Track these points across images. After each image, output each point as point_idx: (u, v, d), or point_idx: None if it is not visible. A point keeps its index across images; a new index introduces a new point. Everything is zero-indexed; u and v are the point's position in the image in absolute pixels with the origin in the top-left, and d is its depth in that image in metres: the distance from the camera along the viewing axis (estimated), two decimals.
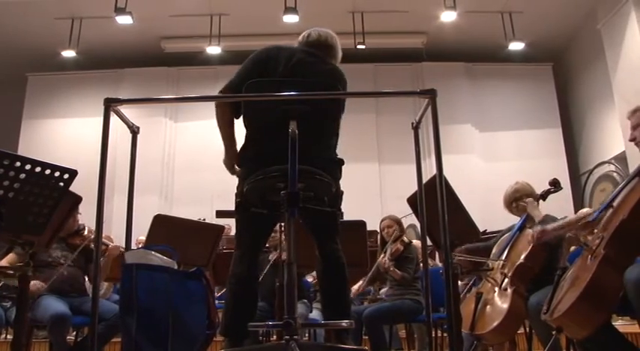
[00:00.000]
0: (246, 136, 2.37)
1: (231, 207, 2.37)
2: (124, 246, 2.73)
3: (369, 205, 7.78)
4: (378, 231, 4.44)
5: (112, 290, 4.53)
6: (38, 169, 2.09)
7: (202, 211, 6.41)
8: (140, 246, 4.32)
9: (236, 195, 2.35)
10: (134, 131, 2.56)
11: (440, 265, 4.78)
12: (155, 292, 2.30)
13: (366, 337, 3.92)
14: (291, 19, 7.77)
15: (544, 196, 3.16)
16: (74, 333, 3.80)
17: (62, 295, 3.26)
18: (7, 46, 8.98)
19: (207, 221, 4.31)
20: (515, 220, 3.22)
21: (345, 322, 2.16)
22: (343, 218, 2.50)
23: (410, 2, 8.29)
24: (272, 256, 3.79)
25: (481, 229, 3.10)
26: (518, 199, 3.22)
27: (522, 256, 2.88)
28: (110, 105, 2.11)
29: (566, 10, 8.57)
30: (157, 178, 9.01)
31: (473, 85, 9.72)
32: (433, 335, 3.10)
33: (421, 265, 3.83)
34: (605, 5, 7.88)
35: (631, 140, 2.38)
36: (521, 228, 3.08)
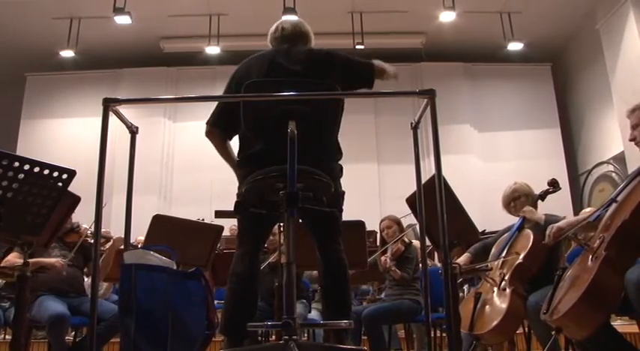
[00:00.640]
0: (245, 137, 2.38)
1: (231, 207, 2.37)
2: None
3: (368, 206, 7.79)
4: (377, 231, 4.44)
5: (111, 290, 4.53)
6: (37, 169, 2.10)
7: (201, 211, 6.40)
8: (139, 246, 4.32)
9: (237, 195, 2.35)
10: (133, 131, 2.55)
11: (439, 265, 4.79)
12: (154, 292, 2.29)
13: (365, 337, 3.92)
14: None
15: (543, 196, 3.16)
16: (73, 333, 3.79)
17: (61, 296, 3.26)
18: (6, 46, 8.97)
19: (206, 221, 4.30)
20: (514, 219, 3.22)
21: (344, 322, 2.16)
22: (342, 218, 2.50)
23: (409, 2, 8.29)
24: (273, 258, 3.78)
25: (480, 229, 3.10)
26: (516, 199, 3.22)
27: (521, 256, 2.88)
28: (109, 105, 2.11)
29: (565, 11, 8.58)
30: (155, 178, 9.00)
31: (472, 86, 9.73)
32: (432, 335, 3.09)
33: (420, 265, 3.83)
34: (603, 5, 7.89)
35: (631, 140, 2.38)
36: (520, 228, 3.08)
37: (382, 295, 4.42)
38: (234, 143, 2.48)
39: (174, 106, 9.46)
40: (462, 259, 3.15)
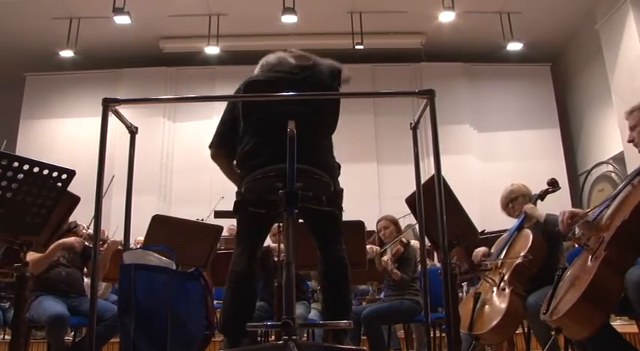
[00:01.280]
0: (244, 136, 2.37)
1: (230, 207, 2.38)
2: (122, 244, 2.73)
3: (368, 206, 7.78)
4: (376, 232, 4.43)
5: (110, 290, 4.53)
6: (36, 170, 2.09)
7: (201, 212, 6.41)
8: (138, 246, 4.32)
9: (236, 194, 2.36)
10: (132, 131, 2.55)
11: (438, 265, 4.79)
12: (153, 292, 2.29)
13: (365, 337, 3.92)
14: (289, 19, 7.77)
15: (542, 196, 3.16)
16: (72, 333, 3.79)
17: (60, 296, 3.26)
18: (5, 46, 8.97)
19: (205, 221, 4.31)
20: (514, 220, 3.22)
21: (343, 323, 2.16)
22: (342, 217, 2.50)
23: (408, 2, 8.29)
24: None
25: (479, 230, 3.10)
26: (514, 200, 3.23)
27: (520, 257, 2.88)
28: (108, 105, 2.11)
29: (565, 11, 8.58)
30: (155, 179, 9.00)
31: (471, 86, 9.72)
32: (432, 335, 3.10)
33: (419, 265, 3.83)
34: (603, 6, 7.89)
35: (629, 141, 2.38)
36: (519, 228, 3.08)
37: (381, 295, 4.42)
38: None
39: (174, 106, 9.46)
40: (482, 250, 3.16)
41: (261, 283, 3.90)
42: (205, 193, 8.59)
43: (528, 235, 2.95)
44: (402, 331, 4.48)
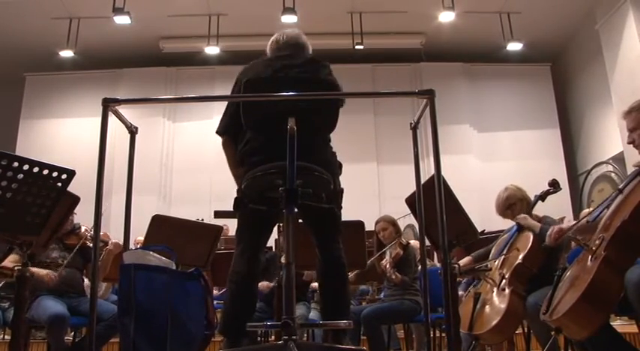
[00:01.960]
0: (244, 133, 2.37)
1: (230, 207, 2.37)
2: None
3: (368, 206, 7.78)
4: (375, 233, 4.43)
5: (110, 291, 4.53)
6: (36, 170, 2.09)
7: (201, 212, 6.41)
8: (138, 246, 4.32)
9: (237, 192, 2.35)
10: (132, 131, 2.55)
11: (438, 265, 4.79)
12: (153, 292, 2.29)
13: (365, 338, 3.92)
14: (289, 19, 7.77)
15: (543, 196, 3.15)
16: (72, 333, 3.79)
17: (60, 296, 3.26)
18: (5, 46, 8.97)
19: (205, 221, 4.30)
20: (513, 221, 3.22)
21: (343, 323, 2.16)
22: (341, 217, 2.50)
23: (408, 3, 8.29)
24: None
25: (479, 230, 3.10)
26: (511, 206, 3.21)
27: (520, 257, 2.89)
28: (108, 105, 2.11)
29: (565, 11, 8.58)
30: (155, 179, 8.99)
31: (471, 86, 9.72)
32: (431, 335, 3.10)
33: (419, 265, 3.83)
34: (603, 6, 7.89)
35: (629, 143, 2.37)
36: (520, 229, 3.08)
37: (381, 295, 4.42)
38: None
39: (174, 106, 9.46)
40: (464, 262, 3.15)
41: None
42: (205, 193, 8.60)
43: (529, 235, 2.95)
44: (402, 331, 4.47)
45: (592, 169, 8.70)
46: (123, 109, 2.23)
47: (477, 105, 9.63)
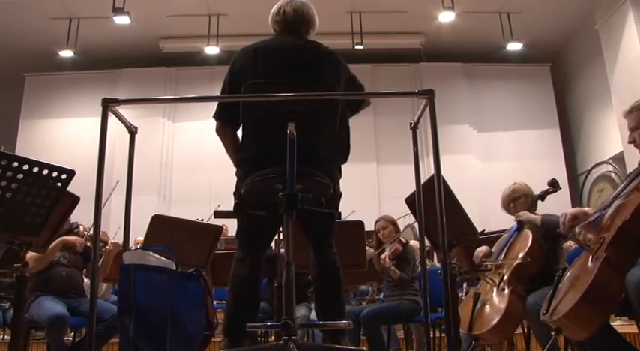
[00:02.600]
0: (243, 137, 2.36)
1: (230, 207, 2.37)
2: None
3: (367, 206, 7.78)
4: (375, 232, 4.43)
5: (110, 291, 4.53)
6: (36, 170, 2.09)
7: (200, 212, 6.40)
8: (138, 246, 4.32)
9: (233, 194, 2.35)
10: (132, 131, 2.55)
11: (438, 265, 4.79)
12: (153, 292, 2.29)
13: (364, 338, 3.92)
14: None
15: (542, 196, 3.16)
16: (72, 334, 3.79)
17: (60, 296, 3.26)
18: (5, 46, 8.96)
19: (205, 222, 4.30)
20: (513, 220, 3.22)
21: (343, 323, 2.16)
22: (341, 219, 2.50)
23: (408, 3, 8.29)
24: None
25: (479, 230, 3.10)
26: (515, 200, 3.22)
27: (520, 257, 2.89)
28: (108, 105, 2.11)
29: (564, 11, 8.58)
30: (155, 179, 8.99)
31: (471, 86, 9.72)
32: (431, 335, 3.10)
33: (419, 265, 3.83)
34: (602, 6, 7.89)
35: (630, 142, 2.37)
36: (520, 228, 3.08)
37: (381, 296, 4.43)
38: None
39: (174, 106, 9.46)
40: (482, 250, 3.15)
41: (264, 282, 3.90)
42: (205, 193, 8.60)
43: (528, 235, 2.95)
44: (402, 331, 4.48)
45: (592, 169, 8.70)
46: (123, 109, 2.23)
47: (476, 105, 9.63)
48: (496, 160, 9.25)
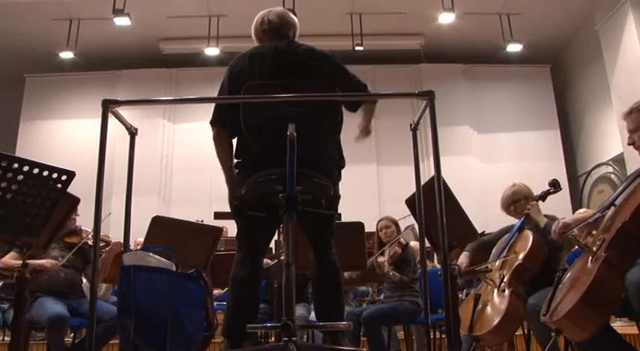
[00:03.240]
0: (242, 139, 2.36)
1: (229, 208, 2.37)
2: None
3: (367, 207, 7.78)
4: (375, 232, 4.43)
5: (110, 292, 4.52)
6: (36, 171, 2.09)
7: (200, 213, 6.41)
8: (138, 247, 4.31)
9: (228, 196, 2.34)
10: (132, 132, 2.55)
11: (438, 266, 4.78)
12: (153, 293, 2.29)
13: (364, 339, 3.92)
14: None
15: (543, 197, 3.16)
16: (72, 335, 3.79)
17: (60, 297, 3.25)
18: (5, 47, 8.97)
19: (205, 223, 4.30)
20: (514, 219, 3.22)
21: (343, 324, 2.16)
22: (341, 219, 2.50)
23: (408, 4, 8.30)
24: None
25: (479, 231, 3.10)
26: (516, 202, 3.22)
27: (520, 257, 2.88)
28: (108, 106, 2.11)
29: (564, 12, 8.59)
30: (155, 180, 9.00)
31: (471, 87, 9.72)
32: (431, 337, 3.09)
33: (419, 266, 3.83)
34: (602, 7, 7.89)
35: (629, 144, 2.37)
36: (520, 229, 3.08)
37: (381, 297, 4.42)
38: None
39: (174, 107, 9.46)
40: (462, 260, 3.14)
41: (263, 284, 3.90)
42: (205, 194, 8.59)
43: (529, 236, 2.95)
44: (402, 332, 4.47)
45: (592, 170, 8.70)
46: (123, 111, 2.23)
47: (476, 106, 9.63)
48: (496, 161, 9.25)
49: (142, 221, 3.28)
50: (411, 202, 2.74)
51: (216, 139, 2.40)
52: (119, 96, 8.36)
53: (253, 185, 2.09)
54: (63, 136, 9.45)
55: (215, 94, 2.45)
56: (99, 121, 2.09)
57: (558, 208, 2.82)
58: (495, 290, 2.90)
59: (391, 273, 3.94)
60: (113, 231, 5.09)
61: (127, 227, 2.55)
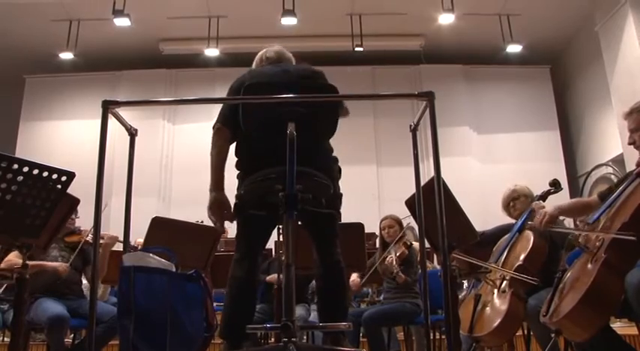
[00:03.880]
0: (242, 139, 2.37)
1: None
2: (121, 239, 2.73)
3: (367, 208, 7.78)
4: (377, 233, 4.43)
5: (108, 292, 4.53)
6: (36, 172, 2.09)
7: (200, 214, 6.38)
8: (138, 248, 4.31)
9: (236, 197, 2.35)
10: (132, 133, 2.55)
11: (438, 267, 4.78)
12: (153, 294, 2.29)
13: (365, 339, 3.91)
14: (289, 21, 7.77)
15: (544, 196, 3.15)
16: (72, 335, 3.79)
17: (59, 298, 3.25)
18: (5, 48, 8.97)
19: (205, 223, 4.29)
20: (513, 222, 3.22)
21: (343, 325, 2.16)
22: (341, 220, 2.50)
23: (408, 5, 8.30)
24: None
25: (479, 231, 3.09)
26: (515, 199, 3.23)
27: (521, 258, 2.88)
28: (108, 107, 2.11)
29: (564, 13, 8.59)
30: (155, 181, 8.99)
31: (471, 88, 9.73)
32: (431, 337, 3.09)
33: (419, 267, 3.82)
34: (602, 8, 7.89)
35: (630, 144, 2.37)
36: (520, 230, 3.08)
37: (380, 297, 4.42)
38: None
39: (174, 108, 9.46)
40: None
41: (262, 286, 3.90)
42: (205, 195, 8.48)
43: (529, 236, 2.95)
44: (402, 333, 4.47)
45: (592, 171, 8.70)
46: (123, 111, 2.23)
47: (476, 107, 9.64)
48: (496, 162, 9.25)
49: (141, 222, 3.28)
50: (410, 203, 2.74)
51: (217, 134, 2.39)
52: (119, 97, 8.36)
53: (253, 184, 2.09)
54: (63, 136, 9.45)
55: (214, 95, 2.46)
56: (99, 121, 2.09)
57: None
58: (496, 291, 2.90)
59: (399, 274, 3.91)
60: (113, 231, 5.09)
61: (127, 228, 2.55)
